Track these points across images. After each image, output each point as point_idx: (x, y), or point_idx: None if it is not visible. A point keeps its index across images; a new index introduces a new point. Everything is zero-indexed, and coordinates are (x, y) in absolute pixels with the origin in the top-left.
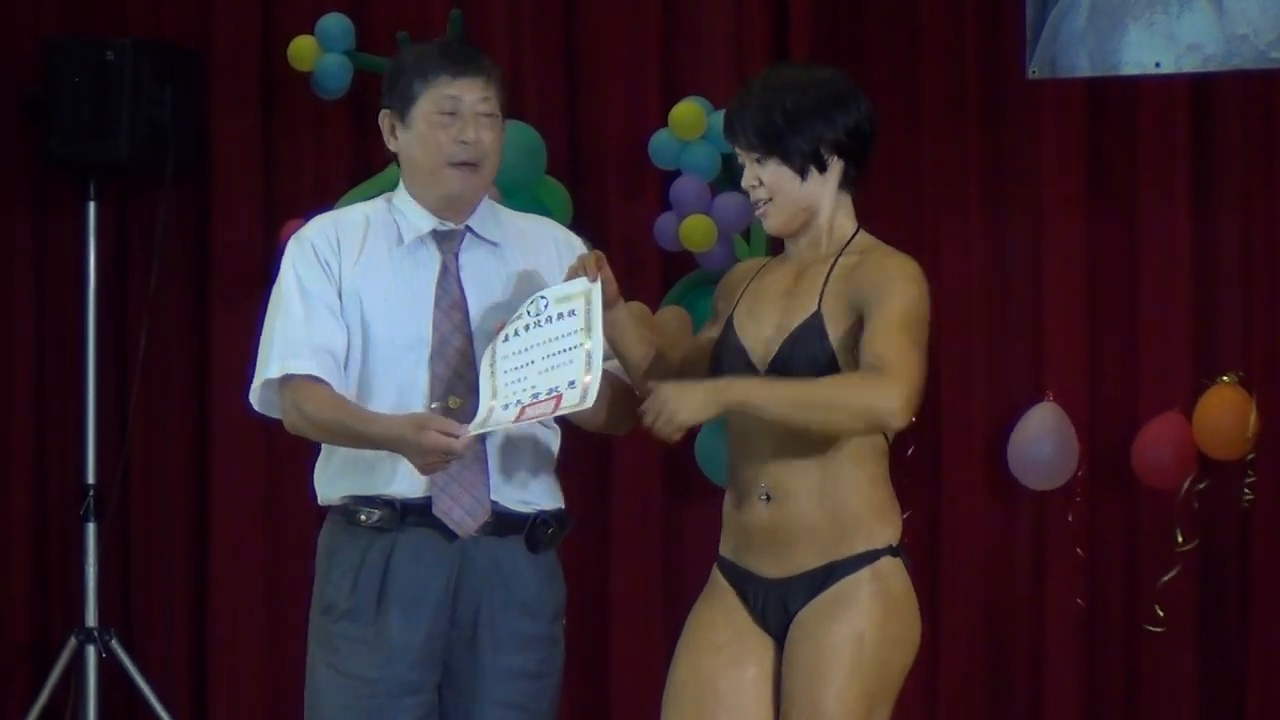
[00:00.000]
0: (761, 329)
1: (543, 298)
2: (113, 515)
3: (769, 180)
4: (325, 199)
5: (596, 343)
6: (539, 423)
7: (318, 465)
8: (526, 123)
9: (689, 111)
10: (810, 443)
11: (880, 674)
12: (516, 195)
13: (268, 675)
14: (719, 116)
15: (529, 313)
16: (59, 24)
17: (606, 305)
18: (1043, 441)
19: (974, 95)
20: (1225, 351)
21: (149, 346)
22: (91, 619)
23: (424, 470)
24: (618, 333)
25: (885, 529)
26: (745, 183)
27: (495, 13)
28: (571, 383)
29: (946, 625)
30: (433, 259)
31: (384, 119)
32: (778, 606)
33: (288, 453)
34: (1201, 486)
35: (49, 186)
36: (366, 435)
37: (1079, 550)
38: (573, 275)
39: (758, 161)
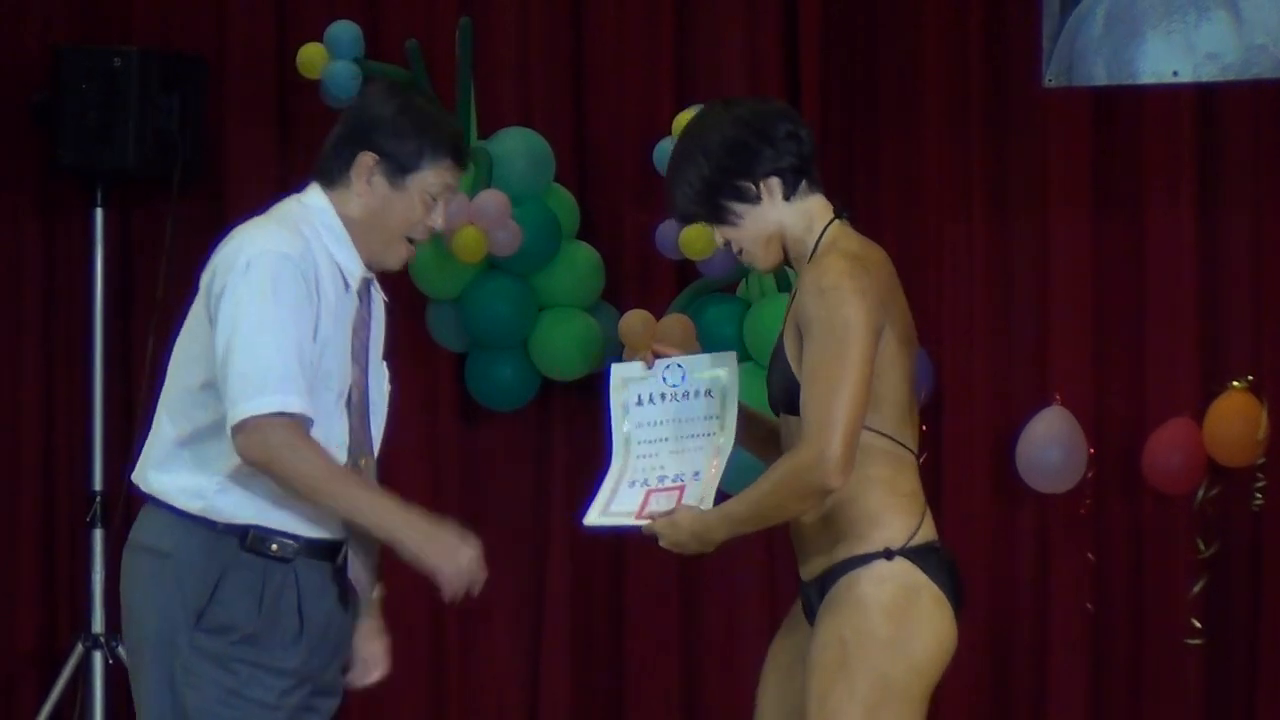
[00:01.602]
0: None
1: (680, 366)
2: (119, 522)
3: (725, 237)
4: None
5: (728, 438)
6: None
7: (195, 472)
8: (536, 131)
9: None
10: None
11: (873, 679)
12: (526, 203)
13: None
14: None
15: (665, 379)
16: (68, 31)
17: None
18: (1051, 445)
19: (980, 101)
20: (1234, 357)
21: (156, 353)
22: (98, 625)
23: (454, 585)
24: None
25: (881, 532)
26: (720, 246)
27: (504, 20)
28: (697, 474)
29: None
30: (351, 306)
31: (366, 160)
32: (809, 609)
33: None
34: (1214, 493)
35: (56, 193)
36: (390, 523)
37: (1090, 555)
38: None
39: (713, 228)
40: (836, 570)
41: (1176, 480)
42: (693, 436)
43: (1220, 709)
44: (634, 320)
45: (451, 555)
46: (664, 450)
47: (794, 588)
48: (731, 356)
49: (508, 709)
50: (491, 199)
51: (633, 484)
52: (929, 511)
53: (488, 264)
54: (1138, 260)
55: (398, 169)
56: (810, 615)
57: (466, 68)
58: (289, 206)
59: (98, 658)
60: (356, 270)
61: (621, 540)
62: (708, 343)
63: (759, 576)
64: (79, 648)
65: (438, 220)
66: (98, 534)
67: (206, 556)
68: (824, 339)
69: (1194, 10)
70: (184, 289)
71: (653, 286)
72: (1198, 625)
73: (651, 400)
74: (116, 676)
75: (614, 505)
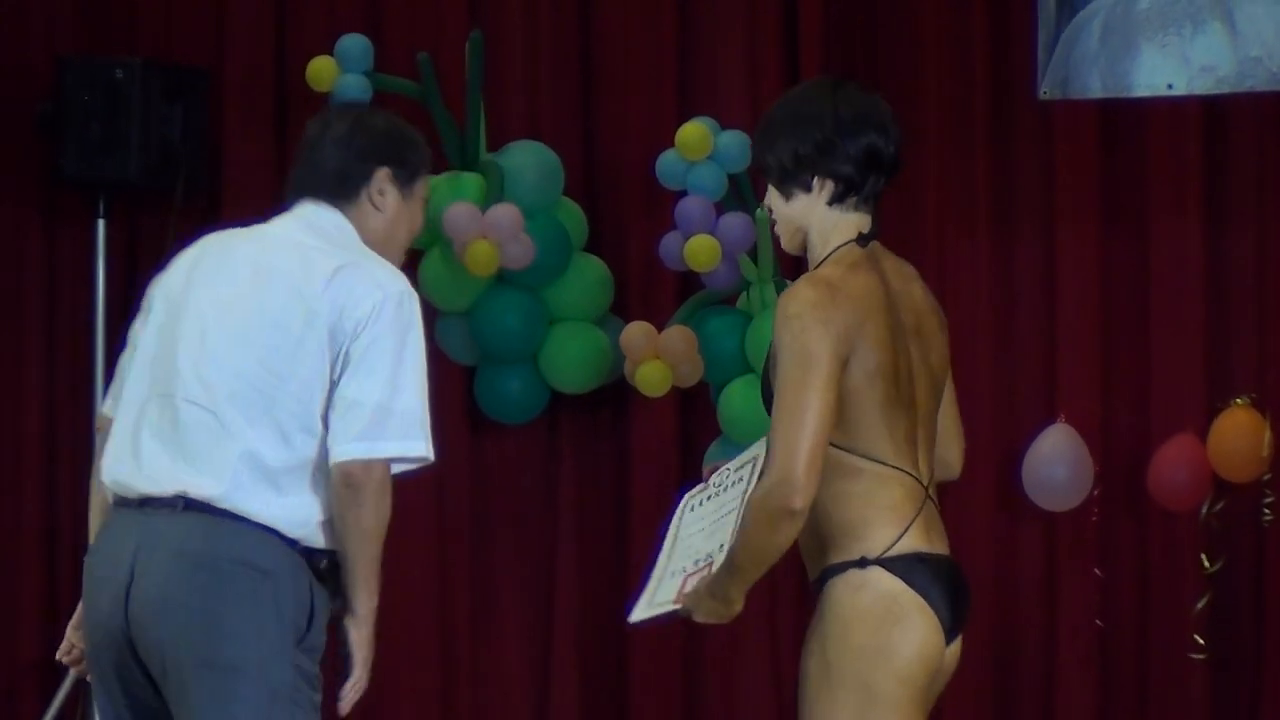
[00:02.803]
0: None
1: (727, 468)
2: None
3: (770, 201)
4: None
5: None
6: None
7: (304, 499)
8: (544, 144)
9: (695, 132)
10: None
11: (853, 687)
12: (536, 217)
13: None
14: (726, 137)
15: (714, 484)
16: (72, 42)
17: None
18: (1057, 463)
19: (985, 115)
20: (1238, 373)
21: None
22: None
23: (359, 686)
24: None
25: (858, 543)
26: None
27: (513, 35)
28: (722, 546)
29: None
30: None
31: (382, 175)
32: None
33: None
34: (1218, 509)
35: (59, 203)
36: (371, 605)
37: (1097, 571)
38: None
39: (770, 185)
40: (820, 579)
41: (1181, 497)
42: (723, 516)
43: None
44: (636, 332)
45: (370, 665)
46: (700, 538)
47: (795, 599)
48: (763, 442)
49: (516, 718)
50: (504, 213)
51: (673, 574)
52: (921, 524)
53: (497, 277)
54: (1142, 276)
55: (408, 179)
56: None
57: (477, 81)
58: (325, 228)
59: None
60: None
61: (628, 552)
62: (710, 354)
63: (758, 587)
64: None
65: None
66: None
67: (299, 578)
68: (787, 366)
69: (1189, 23)
70: None
71: (657, 299)
72: (1200, 641)
73: (701, 504)
74: None
75: (658, 596)
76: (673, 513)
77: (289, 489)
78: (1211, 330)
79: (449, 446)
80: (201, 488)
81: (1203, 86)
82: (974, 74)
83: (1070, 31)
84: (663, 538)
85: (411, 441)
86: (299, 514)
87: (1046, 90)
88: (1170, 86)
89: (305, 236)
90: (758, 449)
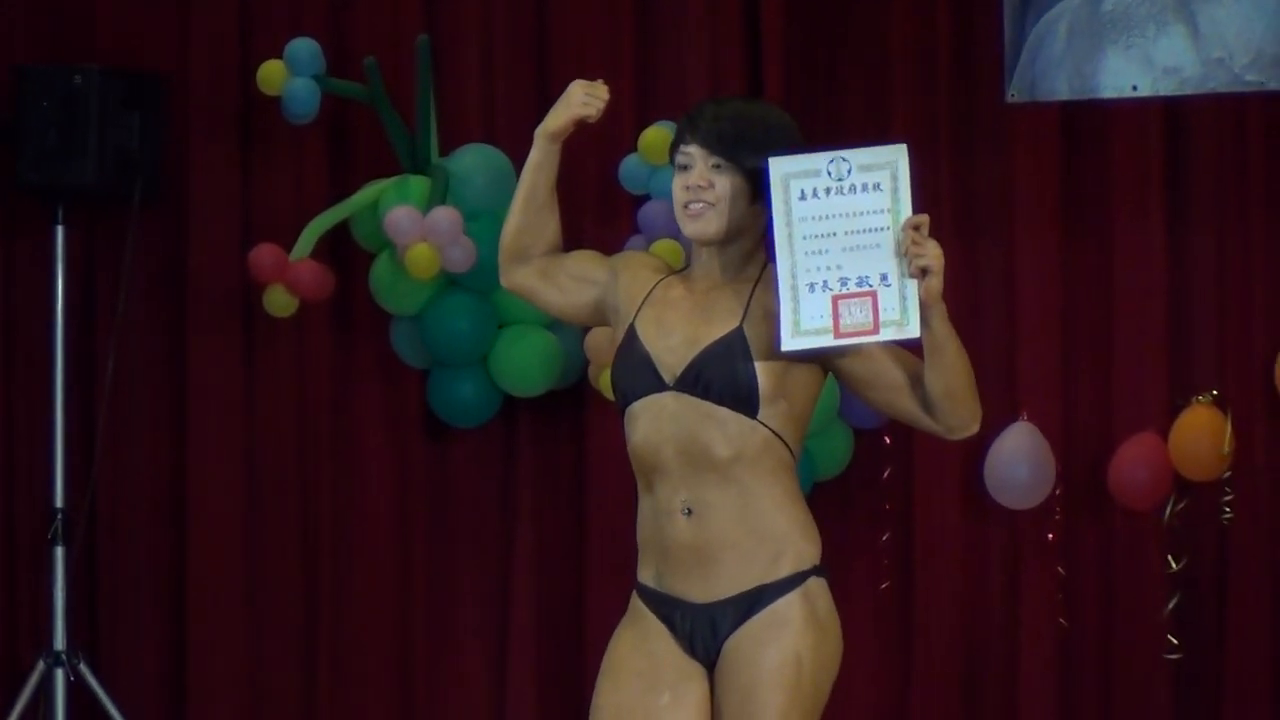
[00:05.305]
0: (668, 340)
1: (845, 160)
2: (81, 539)
3: (720, 189)
4: (300, 223)
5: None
6: None
7: None
8: (497, 147)
9: (659, 136)
10: (718, 457)
11: (815, 695)
12: (482, 219)
13: (242, 699)
14: None
15: (829, 172)
16: (29, 50)
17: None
18: (1019, 462)
19: (947, 118)
20: (1200, 372)
21: (117, 370)
22: (60, 642)
23: None
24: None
25: (810, 547)
26: (694, 180)
27: (467, 35)
28: (884, 277)
29: (921, 646)
30: None
31: None
32: (707, 631)
33: (267, 475)
34: (1180, 508)
35: (17, 211)
36: None
37: (1060, 570)
38: None
39: (715, 167)
40: (777, 588)
41: (1142, 496)
42: (866, 231)
43: None
44: (600, 337)
45: None
46: (834, 247)
47: None
48: (901, 149)
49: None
50: (443, 215)
51: (812, 288)
52: None
53: (447, 280)
54: (1104, 276)
55: None
56: (700, 639)
57: (426, 85)
58: None
59: (59, 675)
60: None
61: (586, 552)
62: None
63: None
64: (40, 665)
65: None
66: (59, 551)
67: None
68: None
69: (1153, 25)
70: (144, 306)
71: None
72: (1174, 641)
73: (815, 195)
74: (79, 694)
75: (805, 320)
76: (765, 181)
77: None
78: (1173, 329)
79: (407, 449)
80: None
81: (1167, 88)
82: (938, 77)
83: (1036, 35)
84: (768, 206)
85: None
86: None
87: (1014, 93)
88: (1135, 88)
89: None
90: (893, 153)
